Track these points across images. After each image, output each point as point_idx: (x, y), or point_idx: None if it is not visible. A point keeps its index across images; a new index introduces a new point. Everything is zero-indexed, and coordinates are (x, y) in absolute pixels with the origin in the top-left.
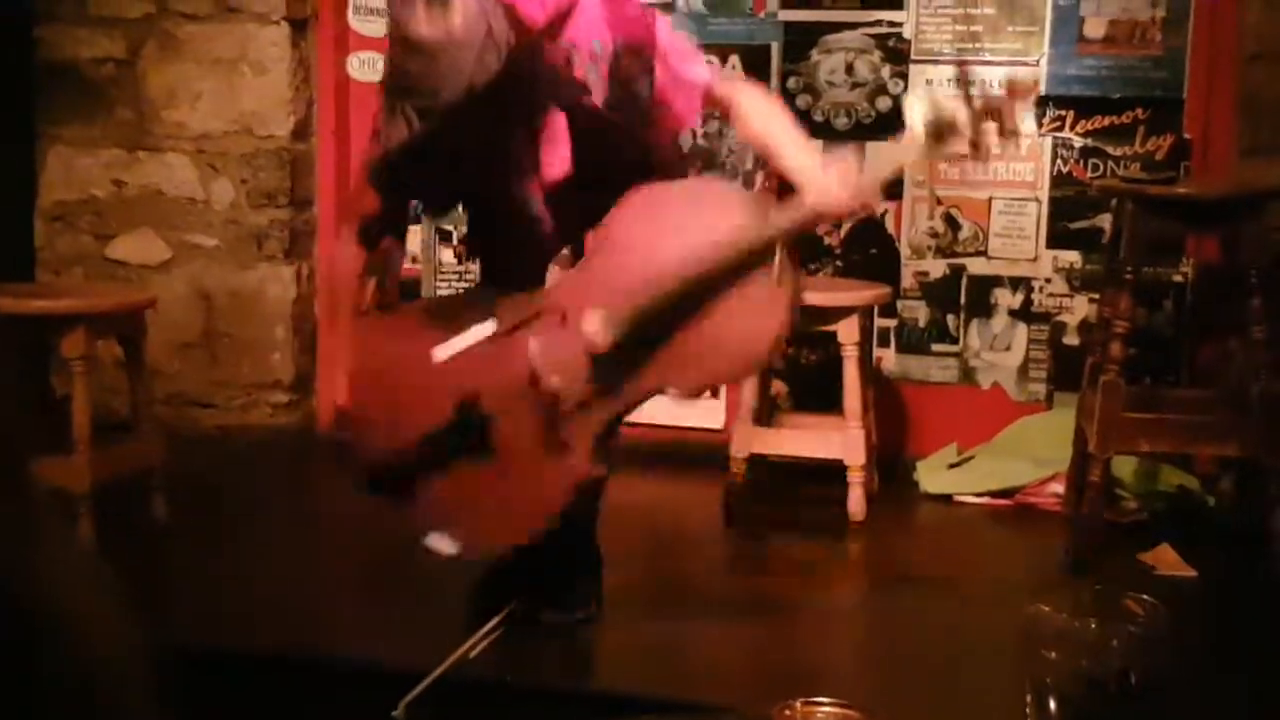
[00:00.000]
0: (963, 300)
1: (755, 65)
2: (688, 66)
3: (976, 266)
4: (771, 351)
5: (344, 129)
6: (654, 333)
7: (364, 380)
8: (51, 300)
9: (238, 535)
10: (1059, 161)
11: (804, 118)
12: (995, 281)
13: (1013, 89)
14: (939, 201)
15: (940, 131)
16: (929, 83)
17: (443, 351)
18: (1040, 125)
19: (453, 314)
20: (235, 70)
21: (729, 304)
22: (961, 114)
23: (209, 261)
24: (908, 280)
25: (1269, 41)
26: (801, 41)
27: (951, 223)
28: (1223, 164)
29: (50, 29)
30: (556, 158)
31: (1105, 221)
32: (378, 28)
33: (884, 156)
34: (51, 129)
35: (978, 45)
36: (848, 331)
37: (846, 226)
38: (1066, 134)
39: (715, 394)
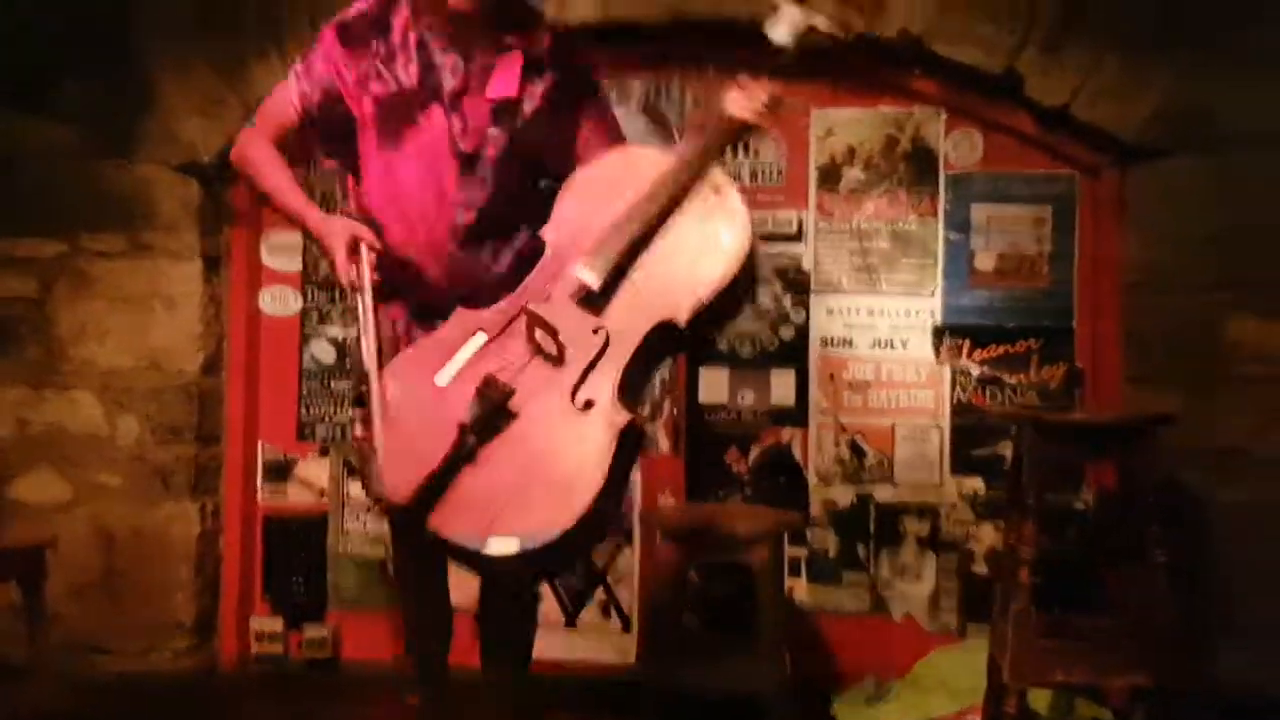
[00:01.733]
0: (872, 529)
1: None
2: None
3: (883, 494)
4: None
5: (254, 363)
6: (628, 269)
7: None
8: None
9: None
10: (958, 389)
11: (709, 346)
12: (902, 509)
13: None
14: (843, 429)
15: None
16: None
17: (444, 377)
18: (939, 354)
19: (439, 346)
20: (146, 307)
21: (680, 228)
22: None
23: (112, 500)
24: (816, 508)
25: (1145, 273)
26: None
27: (856, 450)
28: (1113, 392)
29: None
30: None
31: (1007, 449)
32: (289, 263)
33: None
34: None
35: (874, 276)
36: (759, 559)
37: (755, 454)
38: (964, 362)
39: (627, 629)
